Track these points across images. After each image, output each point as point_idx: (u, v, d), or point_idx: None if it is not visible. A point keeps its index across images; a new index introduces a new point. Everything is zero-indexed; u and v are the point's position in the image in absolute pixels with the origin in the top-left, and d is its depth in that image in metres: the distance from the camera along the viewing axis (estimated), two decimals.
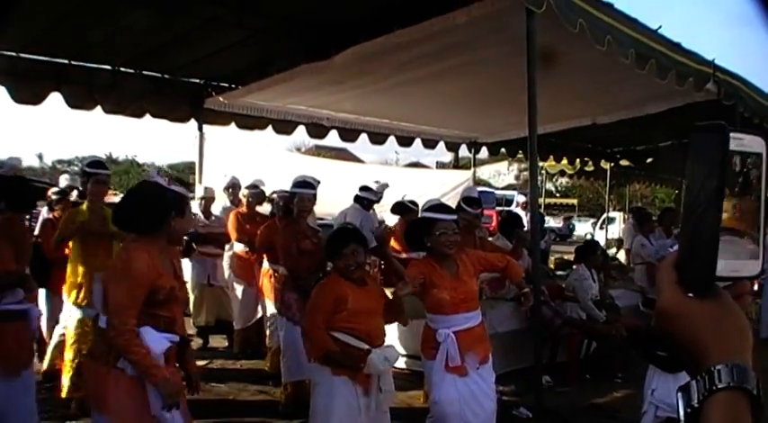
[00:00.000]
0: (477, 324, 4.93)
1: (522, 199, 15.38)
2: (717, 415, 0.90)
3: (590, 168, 16.69)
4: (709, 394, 0.91)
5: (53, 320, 7.68)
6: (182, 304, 3.71)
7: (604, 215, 22.03)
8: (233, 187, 8.79)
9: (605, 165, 16.50)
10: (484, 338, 5.00)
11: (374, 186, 9.22)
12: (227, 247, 8.68)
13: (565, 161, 16.13)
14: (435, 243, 4.82)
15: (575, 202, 38.96)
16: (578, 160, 16.13)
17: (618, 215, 26.67)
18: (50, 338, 7.67)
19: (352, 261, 4.43)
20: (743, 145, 0.91)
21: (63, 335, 7.45)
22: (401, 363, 7.93)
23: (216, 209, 9.02)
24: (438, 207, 4.97)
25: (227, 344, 8.99)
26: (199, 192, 9.27)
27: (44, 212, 8.86)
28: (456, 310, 4.79)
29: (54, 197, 7.94)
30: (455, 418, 4.69)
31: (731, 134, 0.90)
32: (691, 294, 0.95)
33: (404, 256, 7.06)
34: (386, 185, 9.46)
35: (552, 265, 10.61)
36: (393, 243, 7.93)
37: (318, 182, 6.71)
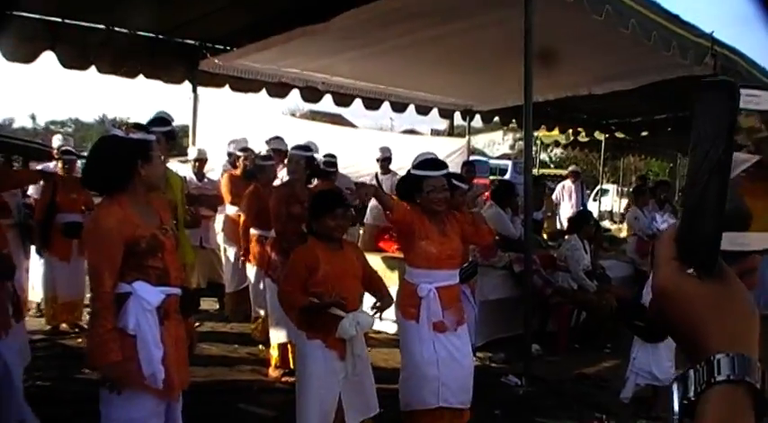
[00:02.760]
0: (456, 283, 4.99)
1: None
2: (713, 411, 0.80)
3: (584, 139, 16.67)
4: (707, 387, 0.81)
5: (50, 281, 7.75)
6: (173, 253, 3.64)
7: (598, 187, 22.04)
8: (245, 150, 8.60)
9: (600, 136, 16.47)
10: (459, 298, 5.06)
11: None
12: (219, 209, 8.70)
13: (556, 131, 16.09)
14: (425, 200, 4.83)
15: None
16: (571, 130, 16.09)
17: (612, 187, 26.73)
18: (47, 298, 7.78)
19: (337, 224, 4.41)
20: (758, 103, 0.82)
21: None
22: (385, 325, 8.03)
23: (215, 173, 9.06)
24: (427, 163, 4.95)
25: (217, 307, 9.04)
26: (192, 154, 9.24)
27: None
28: (441, 265, 4.83)
29: (56, 157, 8.00)
30: (433, 380, 4.72)
31: (743, 91, 0.81)
32: (691, 271, 0.86)
33: None
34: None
35: (545, 235, 10.61)
36: None
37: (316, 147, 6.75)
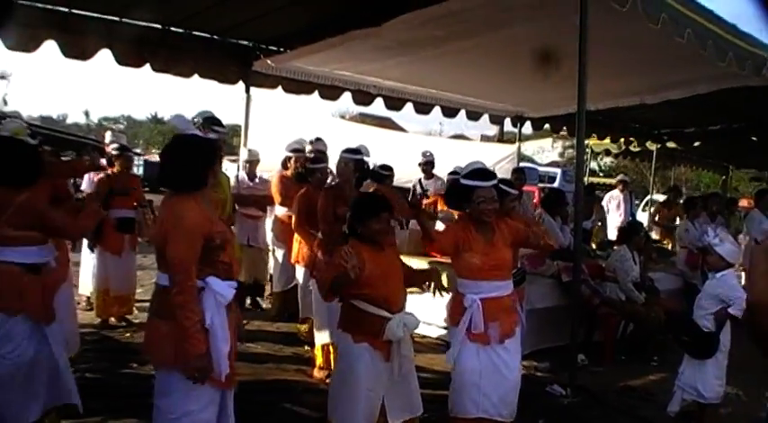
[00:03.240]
0: (507, 294, 4.91)
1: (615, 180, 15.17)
2: None
3: (635, 149, 16.46)
4: None
5: (103, 275, 7.87)
6: (233, 248, 3.73)
7: (648, 197, 21.75)
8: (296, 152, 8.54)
9: (651, 146, 16.25)
10: (512, 310, 4.97)
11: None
12: (269, 209, 8.78)
13: (607, 140, 15.93)
14: (474, 210, 4.81)
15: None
16: (622, 139, 15.92)
17: (662, 198, 26.35)
18: (99, 291, 7.91)
19: (381, 227, 4.43)
20: None
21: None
22: (439, 331, 8.04)
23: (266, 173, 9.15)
24: (477, 173, 4.90)
25: (264, 306, 9.12)
26: (243, 155, 9.33)
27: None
28: (485, 276, 4.78)
29: (114, 153, 8.08)
30: (472, 388, 4.71)
31: None
32: None
33: None
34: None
35: (594, 245, 10.50)
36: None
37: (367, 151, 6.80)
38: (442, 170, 9.76)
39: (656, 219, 13.51)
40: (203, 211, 3.52)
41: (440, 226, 9.27)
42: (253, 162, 9.15)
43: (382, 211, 4.44)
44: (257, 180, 9.06)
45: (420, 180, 9.85)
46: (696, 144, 15.44)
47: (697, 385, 5.69)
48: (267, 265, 9.11)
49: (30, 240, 4.37)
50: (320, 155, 7.86)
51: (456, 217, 5.48)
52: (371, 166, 7.45)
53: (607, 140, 16.00)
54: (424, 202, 9.13)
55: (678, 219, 12.48)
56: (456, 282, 4.96)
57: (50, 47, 7.79)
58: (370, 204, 4.54)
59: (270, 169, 9.36)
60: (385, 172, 8.11)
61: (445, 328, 7.94)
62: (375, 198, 4.78)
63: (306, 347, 7.32)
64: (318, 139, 8.41)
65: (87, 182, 8.62)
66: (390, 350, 4.33)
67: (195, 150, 3.61)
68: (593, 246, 10.48)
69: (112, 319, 8.18)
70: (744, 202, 28.23)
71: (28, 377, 4.45)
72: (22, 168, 4.46)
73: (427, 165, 9.92)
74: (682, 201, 13.60)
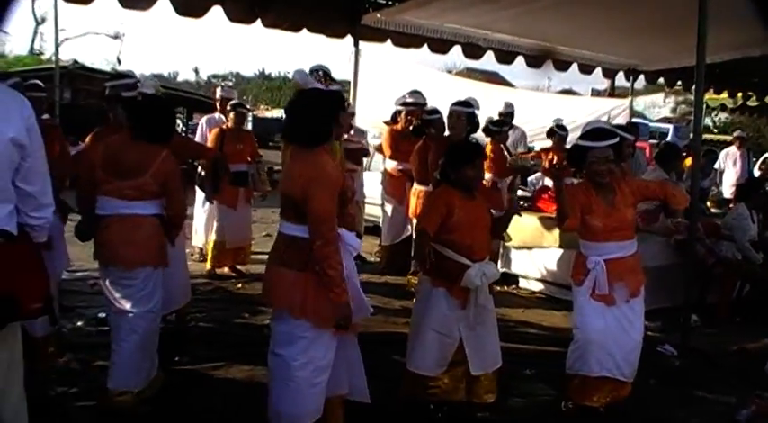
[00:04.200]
0: (631, 254, 4.85)
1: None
2: None
3: (753, 103, 15.80)
4: None
5: (220, 227, 8.10)
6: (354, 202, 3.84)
7: (765, 155, 20.95)
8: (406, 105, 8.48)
9: None
10: (637, 270, 4.89)
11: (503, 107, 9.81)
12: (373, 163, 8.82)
13: (724, 94, 15.34)
14: (588, 172, 4.76)
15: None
16: (740, 94, 15.30)
17: None
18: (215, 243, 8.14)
19: (475, 174, 4.51)
20: None
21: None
22: (540, 286, 8.02)
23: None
24: (591, 133, 4.81)
25: (370, 259, 9.23)
26: None
27: (203, 122, 9.24)
28: (608, 237, 4.73)
29: (228, 109, 8.29)
30: (598, 347, 4.69)
31: None
32: None
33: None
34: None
35: (709, 203, 10.19)
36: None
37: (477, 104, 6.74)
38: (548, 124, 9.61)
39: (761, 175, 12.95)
40: (336, 164, 3.59)
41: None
42: (346, 115, 9.19)
43: (476, 157, 4.51)
44: (352, 132, 9.08)
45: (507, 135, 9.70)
46: None
47: None
48: (362, 218, 9.15)
49: (162, 194, 4.53)
50: (415, 107, 7.91)
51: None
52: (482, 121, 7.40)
53: (724, 95, 15.45)
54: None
55: None
56: (580, 243, 4.93)
57: (164, 5, 7.93)
58: (465, 151, 4.61)
59: (376, 124, 9.39)
60: (496, 127, 8.04)
61: (551, 282, 7.95)
62: (470, 145, 4.84)
63: (414, 301, 7.37)
64: (416, 92, 8.37)
65: (200, 137, 8.83)
66: (468, 298, 4.38)
67: (322, 104, 3.67)
68: (708, 204, 10.17)
69: (225, 269, 8.42)
70: None
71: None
72: (164, 126, 4.64)
73: (507, 116, 9.73)
74: None
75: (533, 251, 8.05)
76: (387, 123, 8.76)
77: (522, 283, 8.50)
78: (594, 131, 4.83)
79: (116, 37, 39.81)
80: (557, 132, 9.18)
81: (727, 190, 12.77)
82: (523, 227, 7.44)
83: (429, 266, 4.30)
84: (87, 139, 5.54)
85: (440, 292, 4.42)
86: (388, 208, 8.38)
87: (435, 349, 4.43)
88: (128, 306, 4.41)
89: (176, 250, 5.17)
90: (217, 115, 9.03)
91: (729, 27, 7.87)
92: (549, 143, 9.51)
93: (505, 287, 8.27)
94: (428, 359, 4.44)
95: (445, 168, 4.58)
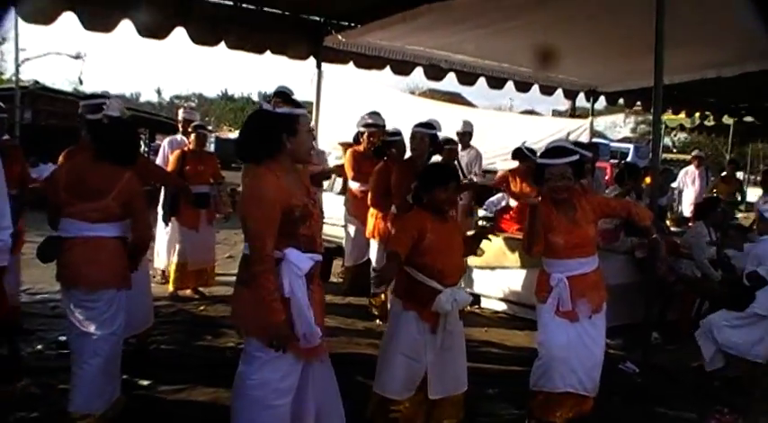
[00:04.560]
0: (593, 270, 4.89)
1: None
2: None
3: (710, 123, 16.09)
4: None
5: (182, 249, 8.05)
6: (318, 222, 3.79)
7: (723, 173, 21.31)
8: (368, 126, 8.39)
9: (728, 120, 15.85)
10: (599, 286, 4.94)
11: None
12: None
13: (682, 114, 15.61)
14: (547, 188, 4.80)
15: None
16: (698, 114, 15.58)
17: (738, 174, 25.76)
18: (177, 264, 8.09)
19: (448, 197, 4.46)
20: None
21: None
22: (502, 305, 8.06)
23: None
24: (550, 151, 4.87)
25: (334, 280, 9.20)
26: None
27: (165, 144, 9.21)
28: (570, 254, 4.78)
29: (189, 131, 8.32)
30: (561, 363, 4.72)
31: None
32: None
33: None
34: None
35: (669, 222, 10.31)
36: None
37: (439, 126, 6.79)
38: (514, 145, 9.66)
39: (715, 194, 13.18)
40: (281, 182, 3.56)
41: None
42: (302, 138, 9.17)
43: (450, 180, 4.47)
44: (312, 152, 9.03)
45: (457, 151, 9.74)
46: None
47: (738, 341, 6.06)
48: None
49: (125, 216, 4.51)
50: (374, 128, 7.99)
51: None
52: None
53: (682, 115, 15.73)
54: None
55: (739, 194, 12.27)
56: (542, 260, 4.96)
57: (126, 26, 7.90)
58: (438, 173, 4.58)
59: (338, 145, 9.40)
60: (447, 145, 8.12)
61: (514, 302, 7.99)
62: (443, 167, 4.88)
63: (377, 322, 7.38)
64: (375, 113, 8.42)
65: (162, 159, 8.79)
66: (438, 323, 4.36)
67: (261, 123, 3.68)
68: (668, 223, 10.29)
69: (188, 291, 8.37)
70: None
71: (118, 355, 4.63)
72: (128, 148, 4.62)
73: (465, 135, 9.78)
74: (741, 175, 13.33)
75: (496, 271, 8.08)
76: (342, 144, 8.78)
77: (485, 302, 8.52)
78: (553, 149, 4.88)
79: (78, 57, 39.36)
80: (526, 155, 8.82)
81: (687, 208, 12.96)
82: (486, 247, 7.47)
83: (385, 290, 4.31)
84: (60, 158, 5.49)
85: (410, 315, 4.38)
86: (351, 229, 8.36)
87: (403, 373, 4.40)
88: (91, 328, 4.35)
89: (140, 273, 5.12)
90: (179, 137, 9.00)
91: (686, 50, 8.02)
92: (511, 164, 9.52)
93: (468, 307, 8.27)
94: (395, 382, 4.41)
95: (417, 191, 4.55)
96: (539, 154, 5.03)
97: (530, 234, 4.84)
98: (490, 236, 5.22)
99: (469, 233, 4.84)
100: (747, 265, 6.19)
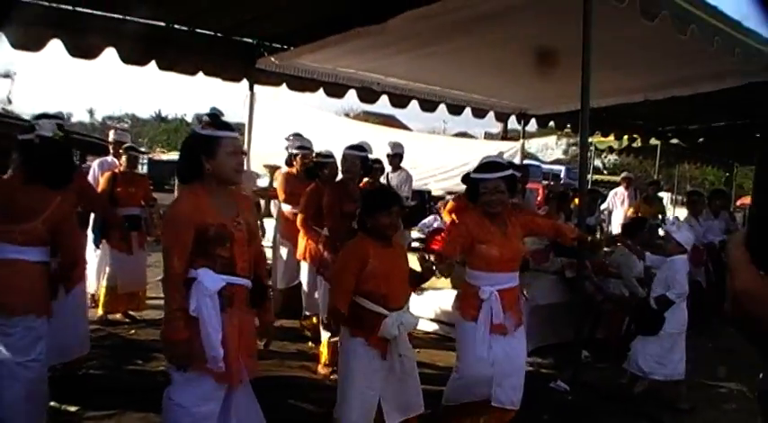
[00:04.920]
0: (516, 285, 5.00)
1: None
2: None
3: (639, 145, 16.44)
4: None
5: (113, 272, 7.92)
6: (243, 246, 3.74)
7: (645, 194, 21.81)
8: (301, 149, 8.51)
9: (655, 142, 16.23)
10: (519, 300, 5.09)
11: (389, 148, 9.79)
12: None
13: (611, 137, 15.94)
14: (481, 202, 4.88)
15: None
16: (626, 136, 15.92)
17: (666, 195, 26.39)
18: (107, 288, 7.94)
19: (390, 222, 4.42)
20: None
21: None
22: (433, 326, 8.08)
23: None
24: (483, 166, 4.98)
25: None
26: None
27: (95, 165, 9.08)
28: (503, 267, 4.86)
29: (122, 151, 8.21)
30: (487, 381, 4.76)
31: None
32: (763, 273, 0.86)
33: None
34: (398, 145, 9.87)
35: None
36: None
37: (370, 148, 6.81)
38: (448, 167, 9.75)
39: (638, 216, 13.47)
40: (201, 202, 3.57)
41: None
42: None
43: (392, 204, 4.44)
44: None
45: (387, 173, 9.85)
46: (700, 141, 15.39)
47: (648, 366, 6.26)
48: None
49: (51, 240, 4.43)
50: (307, 150, 8.07)
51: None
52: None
53: (611, 138, 16.02)
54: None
55: (660, 215, 12.55)
56: (468, 275, 4.98)
57: (56, 46, 7.77)
58: (380, 198, 4.57)
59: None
60: (377, 165, 8.17)
61: (445, 322, 8.02)
62: (385, 192, 4.86)
63: (309, 344, 7.35)
64: (298, 135, 8.44)
65: (92, 180, 8.66)
66: (388, 348, 4.34)
67: (185, 143, 3.76)
68: None
69: (118, 315, 8.22)
70: (748, 200, 28.20)
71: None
72: (61, 170, 4.54)
73: (395, 157, 9.86)
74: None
75: (427, 292, 8.12)
76: (267, 167, 8.77)
77: (423, 324, 8.54)
78: (487, 164, 4.98)
79: (6, 76, 38.63)
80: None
81: (616, 229, 13.20)
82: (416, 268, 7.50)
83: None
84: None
85: (358, 342, 4.34)
86: (283, 251, 8.33)
87: (358, 402, 4.32)
88: (8, 355, 4.25)
89: (75, 299, 5.05)
90: (109, 158, 8.90)
91: (613, 74, 8.20)
92: (447, 184, 9.62)
93: None
94: (353, 412, 4.32)
95: (361, 216, 4.54)
96: (473, 169, 5.10)
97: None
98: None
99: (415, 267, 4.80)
100: (657, 289, 6.36)
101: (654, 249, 7.17)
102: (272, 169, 8.72)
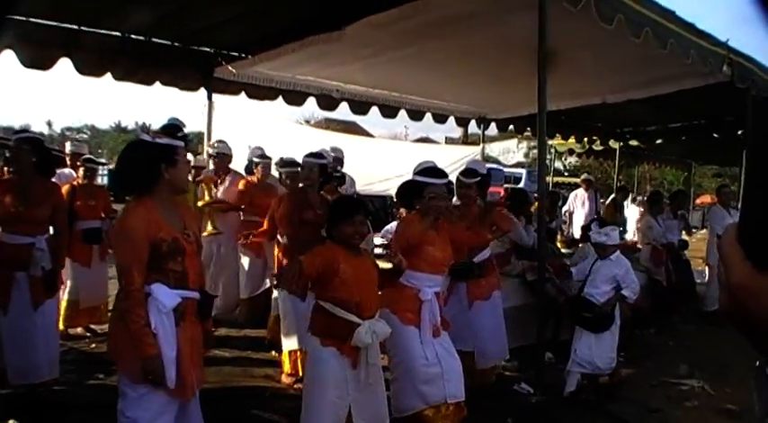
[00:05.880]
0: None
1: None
2: None
3: (598, 147, 16.61)
4: None
5: (74, 286, 7.83)
6: (194, 258, 3.73)
7: (612, 195, 22.01)
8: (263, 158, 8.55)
9: (614, 144, 16.42)
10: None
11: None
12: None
13: (571, 139, 16.09)
14: (426, 206, 4.92)
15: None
16: (586, 139, 16.08)
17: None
18: (68, 302, 7.83)
19: (355, 230, 4.38)
20: None
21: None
22: None
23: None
24: (429, 170, 5.02)
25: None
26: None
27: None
28: (441, 270, 5.00)
29: (80, 163, 8.15)
30: (437, 379, 4.80)
31: None
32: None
33: None
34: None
35: (559, 244, 10.57)
36: None
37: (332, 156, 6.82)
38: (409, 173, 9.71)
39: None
40: (153, 216, 3.53)
41: None
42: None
43: (355, 213, 4.41)
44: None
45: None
46: (658, 142, 15.60)
47: (594, 359, 6.40)
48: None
49: None
50: (222, 157, 8.27)
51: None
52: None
53: (571, 140, 16.17)
54: None
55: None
56: (406, 277, 4.92)
57: (9, 56, 7.70)
58: (343, 207, 4.54)
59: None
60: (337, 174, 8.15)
61: None
62: (349, 201, 4.85)
63: (273, 353, 7.30)
64: (222, 142, 8.52)
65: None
66: (359, 357, 4.30)
67: (139, 152, 3.66)
68: (559, 245, 10.55)
69: (79, 329, 8.11)
70: (707, 199, 28.65)
71: None
72: None
73: (334, 161, 9.80)
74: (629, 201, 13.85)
75: None
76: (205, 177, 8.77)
77: None
78: (431, 170, 5.03)
79: None
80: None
81: (577, 231, 13.31)
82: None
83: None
84: None
85: (330, 352, 4.26)
86: (245, 261, 8.28)
87: (329, 413, 4.26)
88: None
89: (45, 317, 5.01)
90: (67, 170, 8.77)
91: (570, 78, 8.27)
92: (387, 185, 9.57)
93: None
94: None
95: (328, 225, 4.50)
96: (415, 172, 5.17)
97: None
98: (380, 262, 5.23)
99: (386, 266, 4.78)
100: (601, 286, 6.54)
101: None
102: (209, 181, 8.51)
